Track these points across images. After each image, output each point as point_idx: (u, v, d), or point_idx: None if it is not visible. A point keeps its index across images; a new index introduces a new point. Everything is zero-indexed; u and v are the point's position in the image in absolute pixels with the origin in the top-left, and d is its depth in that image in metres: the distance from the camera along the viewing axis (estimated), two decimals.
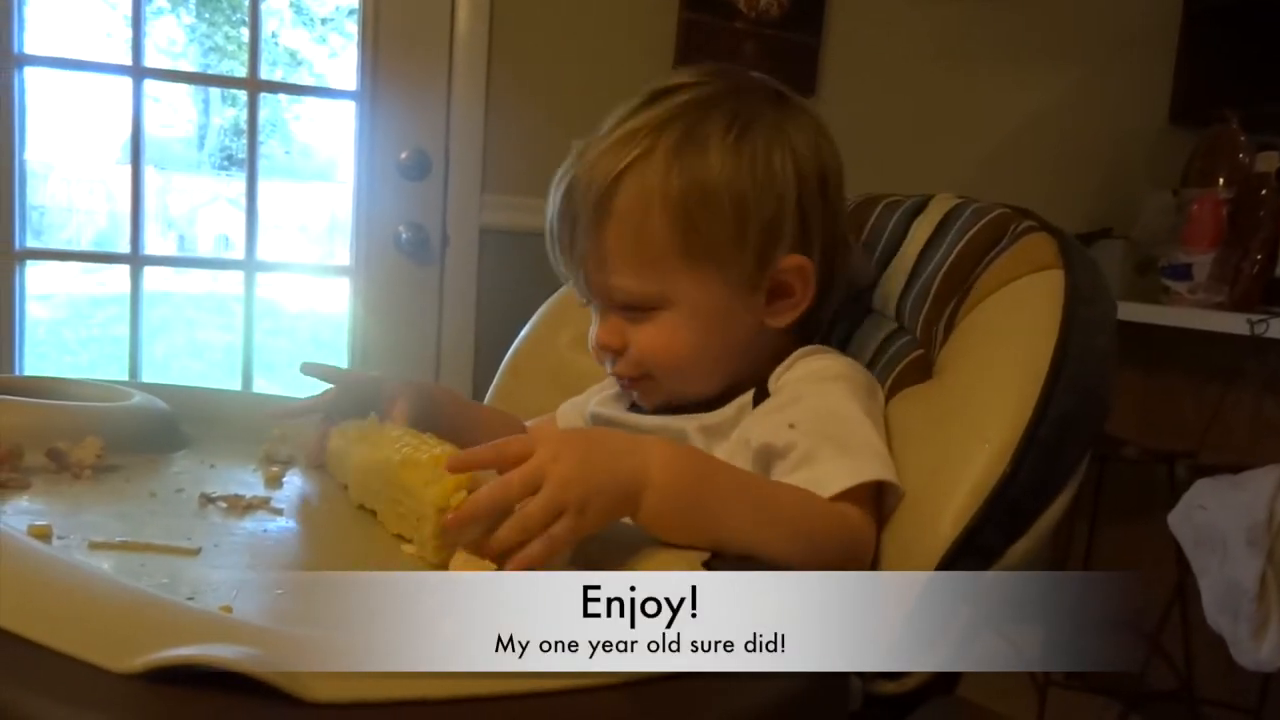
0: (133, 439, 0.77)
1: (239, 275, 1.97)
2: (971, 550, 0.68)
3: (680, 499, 0.63)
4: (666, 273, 0.78)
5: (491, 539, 0.57)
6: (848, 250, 0.87)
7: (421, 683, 0.35)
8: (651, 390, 0.84)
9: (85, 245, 2.42)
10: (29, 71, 1.83)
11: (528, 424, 1.00)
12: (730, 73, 0.84)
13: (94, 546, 0.56)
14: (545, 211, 0.82)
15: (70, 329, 2.69)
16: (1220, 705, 2.03)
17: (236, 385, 1.99)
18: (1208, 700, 2.04)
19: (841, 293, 0.88)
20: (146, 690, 0.34)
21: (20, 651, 0.36)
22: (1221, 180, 2.19)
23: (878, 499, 0.72)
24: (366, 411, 0.78)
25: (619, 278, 0.78)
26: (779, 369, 0.82)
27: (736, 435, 0.80)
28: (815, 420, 0.74)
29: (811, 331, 0.89)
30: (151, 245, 2.01)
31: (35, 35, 1.84)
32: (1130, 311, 2.10)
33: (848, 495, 0.70)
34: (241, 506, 0.67)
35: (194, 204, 2.61)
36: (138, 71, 1.87)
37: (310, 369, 0.85)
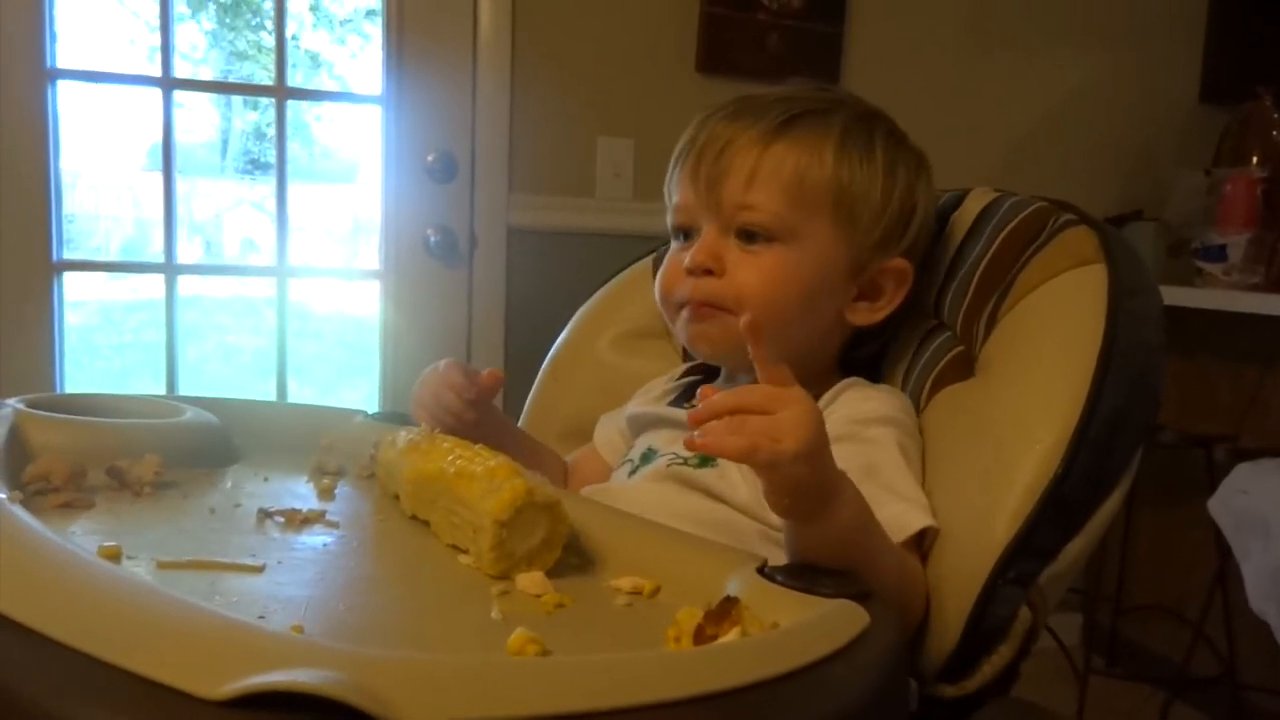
0: (188, 454, 0.78)
1: (267, 279, 1.99)
2: (1027, 551, 0.68)
3: (859, 518, 0.63)
4: (808, 212, 0.81)
5: (704, 428, 0.58)
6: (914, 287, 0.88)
7: (513, 700, 0.36)
8: (720, 328, 0.82)
9: (114, 252, 2.44)
10: (61, 85, 1.85)
11: (567, 459, 1.00)
12: None
13: (162, 566, 0.57)
14: (680, 139, 0.86)
15: (103, 335, 2.72)
16: (1264, 691, 2.01)
17: (270, 389, 2.01)
18: (1251, 686, 2.02)
19: (896, 324, 0.89)
20: (235, 717, 0.35)
21: (109, 677, 0.37)
22: (1255, 159, 2.17)
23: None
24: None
25: (764, 196, 0.80)
26: (825, 397, 0.81)
27: None
28: (867, 469, 0.72)
29: (864, 356, 0.90)
30: (178, 251, 2.03)
31: (66, 48, 1.86)
32: (1164, 295, 2.07)
33: (911, 541, 0.71)
34: (299, 520, 0.68)
35: (218, 209, 2.62)
36: (167, 83, 1.89)
37: None
